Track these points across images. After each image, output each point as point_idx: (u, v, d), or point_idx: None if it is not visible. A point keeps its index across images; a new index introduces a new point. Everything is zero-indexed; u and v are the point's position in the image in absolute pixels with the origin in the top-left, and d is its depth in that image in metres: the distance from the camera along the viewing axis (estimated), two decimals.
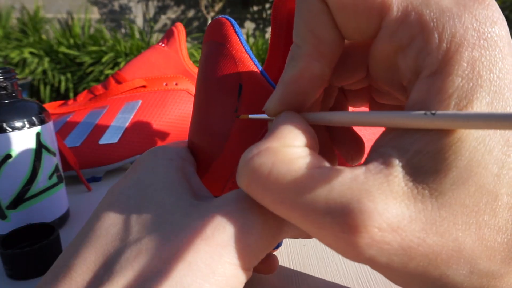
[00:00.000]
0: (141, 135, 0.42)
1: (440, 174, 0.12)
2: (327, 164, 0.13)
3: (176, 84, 0.44)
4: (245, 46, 0.20)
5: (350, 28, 0.14)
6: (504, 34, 0.12)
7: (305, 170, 0.12)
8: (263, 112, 0.18)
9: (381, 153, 0.13)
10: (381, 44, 0.14)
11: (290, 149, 0.13)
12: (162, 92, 0.44)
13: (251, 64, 0.20)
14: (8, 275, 0.24)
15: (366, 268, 0.24)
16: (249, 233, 0.15)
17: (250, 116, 0.19)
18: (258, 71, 0.20)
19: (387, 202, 0.11)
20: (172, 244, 0.15)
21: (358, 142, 0.20)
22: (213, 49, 0.21)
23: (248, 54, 0.20)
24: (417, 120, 0.12)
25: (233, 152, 0.20)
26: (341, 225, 0.11)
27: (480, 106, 0.12)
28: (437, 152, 0.12)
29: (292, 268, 0.24)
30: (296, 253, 0.26)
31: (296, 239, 0.28)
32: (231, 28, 0.20)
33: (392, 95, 0.18)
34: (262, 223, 0.16)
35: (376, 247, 0.11)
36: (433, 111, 0.12)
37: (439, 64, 0.12)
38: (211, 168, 0.21)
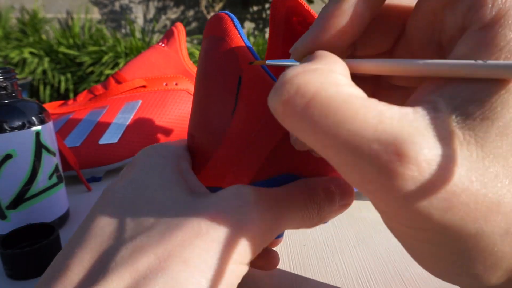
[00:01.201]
0: (141, 135, 0.42)
1: (487, 122, 0.11)
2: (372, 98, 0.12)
3: (176, 84, 0.44)
4: (244, 40, 0.20)
5: None
6: None
7: (356, 97, 0.11)
8: (265, 103, 0.17)
9: (426, 100, 0.12)
10: None
11: (337, 75, 0.12)
12: (162, 92, 0.44)
13: (250, 57, 0.20)
14: (8, 275, 0.24)
15: (366, 268, 0.24)
16: (244, 229, 0.15)
17: (268, 61, 0.17)
18: (260, 67, 0.20)
19: (436, 141, 0.11)
20: (167, 241, 0.15)
21: None
22: (212, 43, 0.21)
23: (248, 47, 0.20)
24: (466, 67, 0.11)
25: (232, 144, 0.20)
26: (389, 154, 0.11)
27: None
28: (486, 101, 0.11)
29: (292, 267, 0.24)
30: (296, 253, 0.26)
31: (296, 239, 0.28)
32: (231, 22, 0.20)
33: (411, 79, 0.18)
34: (258, 219, 0.16)
35: (421, 184, 0.11)
36: (485, 60, 0.11)
37: (492, 18, 0.12)
38: (212, 160, 0.21)
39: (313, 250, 0.26)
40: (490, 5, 0.12)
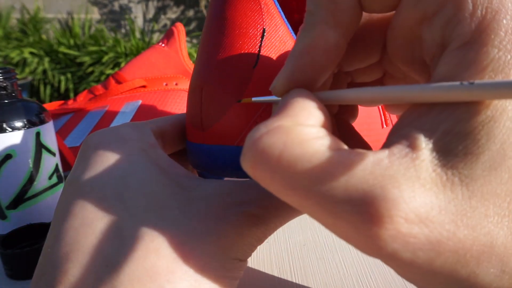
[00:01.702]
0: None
1: (471, 158, 0.10)
2: (345, 147, 0.12)
3: (176, 84, 0.44)
4: None
5: None
6: None
7: (322, 153, 0.11)
8: (268, 93, 0.17)
9: (404, 134, 0.11)
10: (404, 14, 0.13)
11: (304, 128, 0.11)
12: (162, 92, 0.44)
13: (274, 9, 0.19)
14: (8, 275, 0.24)
15: (366, 268, 0.24)
16: (240, 226, 0.16)
17: (254, 99, 0.17)
18: (283, 20, 0.20)
19: (414, 190, 0.10)
20: (171, 242, 0.15)
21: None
22: None
23: (275, 2, 0.19)
24: (451, 92, 0.10)
25: (256, 94, 0.19)
26: (362, 215, 0.10)
27: None
28: (468, 133, 0.10)
29: (292, 267, 0.24)
30: (296, 253, 0.26)
31: (296, 239, 0.28)
32: None
33: (408, 79, 0.17)
34: (254, 218, 0.16)
35: (401, 241, 0.10)
36: (471, 81, 0.10)
37: (472, 34, 0.11)
38: (227, 115, 0.19)
39: (313, 250, 0.26)
40: (468, 20, 0.11)
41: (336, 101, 0.14)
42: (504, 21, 0.11)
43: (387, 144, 0.11)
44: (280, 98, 0.15)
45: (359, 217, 0.10)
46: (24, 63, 2.11)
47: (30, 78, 2.09)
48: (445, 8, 0.12)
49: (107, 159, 0.17)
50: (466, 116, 0.11)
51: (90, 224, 0.15)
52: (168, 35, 0.47)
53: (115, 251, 0.15)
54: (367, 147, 0.19)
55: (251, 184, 0.17)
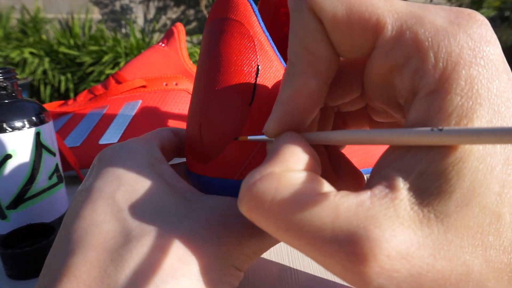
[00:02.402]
0: (140, 136, 0.42)
1: (445, 196, 0.11)
2: (332, 189, 0.13)
3: (176, 84, 0.44)
4: (262, 27, 0.20)
5: (344, 45, 0.14)
6: (499, 52, 0.13)
7: (310, 196, 0.12)
8: (261, 131, 0.18)
9: (384, 175, 0.12)
10: (376, 63, 0.14)
11: (293, 173, 0.13)
12: (162, 92, 0.44)
13: (268, 47, 0.20)
14: (8, 275, 0.24)
15: None
16: (239, 235, 0.17)
17: (250, 137, 0.18)
18: (277, 56, 0.20)
19: (394, 229, 0.11)
20: (176, 241, 0.16)
21: (357, 177, 0.19)
22: (227, 26, 0.20)
23: (266, 36, 0.20)
24: (423, 137, 0.12)
25: (251, 134, 0.19)
26: (348, 254, 0.11)
27: (481, 124, 0.12)
28: (440, 173, 0.12)
29: (292, 267, 0.24)
30: (296, 253, 0.26)
31: None
32: (249, 6, 0.20)
33: (388, 113, 0.18)
34: (252, 230, 0.17)
35: (385, 276, 0.11)
36: (440, 127, 0.11)
37: (437, 84, 0.12)
38: (226, 151, 0.20)
39: None
40: (432, 71, 0.12)
41: (323, 142, 0.15)
42: (463, 72, 0.12)
43: (369, 185, 0.12)
44: (273, 139, 0.16)
45: (346, 256, 0.11)
46: (24, 63, 2.11)
47: (30, 78, 2.09)
48: (411, 60, 0.13)
49: (118, 170, 0.18)
50: (438, 158, 0.12)
51: (98, 225, 0.16)
52: (168, 35, 0.47)
53: (120, 247, 0.15)
54: (356, 172, 0.20)
55: None
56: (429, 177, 0.12)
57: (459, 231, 0.11)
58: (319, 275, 0.24)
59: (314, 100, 0.15)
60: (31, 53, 2.12)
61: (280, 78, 0.20)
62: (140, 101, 0.43)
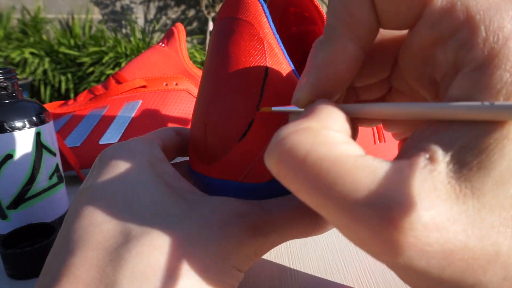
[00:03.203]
0: (141, 135, 0.42)
1: (484, 172, 0.11)
2: (366, 154, 0.12)
3: (176, 84, 0.44)
4: (273, 29, 0.20)
5: (389, 13, 0.14)
6: None
7: (347, 156, 0.11)
8: (285, 105, 0.17)
9: (423, 147, 0.12)
10: (419, 34, 0.14)
11: (331, 132, 0.12)
12: (162, 92, 0.44)
13: (277, 49, 0.19)
14: (8, 275, 0.24)
15: (366, 268, 0.24)
16: (241, 235, 0.17)
17: (274, 108, 0.17)
18: (286, 59, 0.20)
19: (432, 200, 0.11)
20: (181, 246, 0.15)
21: None
22: (236, 26, 0.20)
23: (276, 38, 0.20)
24: (473, 111, 0.11)
25: (256, 140, 0.19)
26: (383, 219, 0.10)
27: None
28: (483, 149, 0.11)
29: (292, 267, 0.24)
30: (296, 253, 0.26)
31: (296, 239, 0.28)
32: (260, 7, 0.20)
33: (413, 97, 0.18)
34: (254, 229, 0.17)
35: (418, 248, 0.10)
36: (491, 102, 0.11)
37: (485, 58, 0.12)
38: (231, 153, 0.20)
39: (313, 250, 0.26)
40: (481, 45, 0.12)
41: (359, 114, 0.14)
42: None
43: (406, 155, 0.12)
44: (302, 109, 0.15)
45: (379, 221, 0.10)
46: (24, 63, 2.11)
47: (30, 78, 2.09)
48: (459, 32, 0.12)
49: (119, 170, 0.18)
50: (482, 133, 0.11)
51: (98, 225, 0.16)
52: (168, 35, 0.47)
53: (119, 246, 0.15)
54: None
55: (254, 201, 0.18)
56: (470, 151, 0.11)
57: (493, 210, 0.11)
58: (319, 276, 0.24)
59: (351, 67, 0.14)
60: (32, 53, 2.12)
61: (289, 83, 0.20)
62: (140, 101, 0.43)
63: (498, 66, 0.11)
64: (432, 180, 0.11)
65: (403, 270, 0.11)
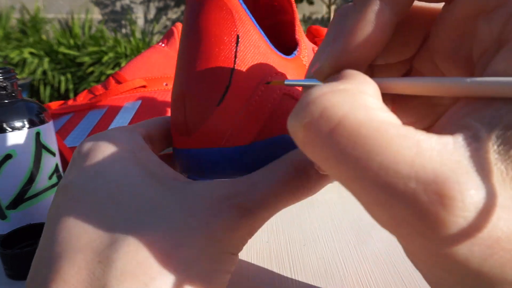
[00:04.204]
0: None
1: None
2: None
3: None
4: (240, 1, 0.21)
5: None
6: None
7: (388, 124, 0.10)
8: (260, 69, 0.17)
9: (464, 125, 0.10)
10: (460, 5, 0.12)
11: (368, 96, 0.11)
12: (162, 92, 0.44)
13: (246, 17, 0.20)
14: (8, 275, 0.24)
15: (366, 268, 0.24)
16: (231, 219, 0.16)
17: (287, 82, 0.16)
18: (255, 26, 0.21)
19: (481, 180, 0.09)
20: (169, 238, 0.15)
21: None
22: (206, 1, 0.21)
23: (243, 8, 0.21)
24: None
25: (234, 103, 0.20)
26: (429, 194, 0.09)
27: None
28: None
29: (292, 267, 0.24)
30: (296, 253, 0.26)
31: (296, 239, 0.28)
32: None
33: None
34: (244, 210, 0.16)
35: (463, 231, 0.09)
36: None
37: None
38: (210, 119, 0.20)
39: (313, 250, 0.26)
40: None
41: (391, 89, 0.12)
42: None
43: (447, 130, 0.11)
44: (320, 83, 0.14)
45: (426, 197, 0.09)
46: (24, 63, 2.11)
47: (30, 78, 2.09)
48: (508, 2, 0.11)
49: (98, 163, 0.17)
50: None
51: (83, 224, 0.15)
52: (168, 35, 0.47)
53: (107, 247, 0.15)
54: None
55: (238, 179, 0.18)
56: None
57: None
58: (319, 276, 0.24)
59: (384, 35, 0.13)
60: (31, 53, 2.12)
61: (260, 48, 0.21)
62: (140, 101, 0.43)
63: None
64: (479, 159, 0.10)
65: (439, 259, 0.10)
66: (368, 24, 0.13)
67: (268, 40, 0.21)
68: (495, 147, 0.10)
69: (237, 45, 0.20)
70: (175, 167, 0.23)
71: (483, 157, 0.10)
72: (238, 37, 0.20)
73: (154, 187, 0.17)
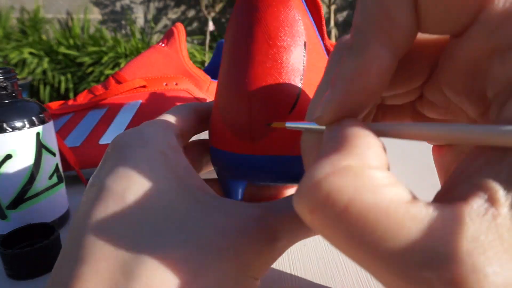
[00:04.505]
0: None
1: None
2: (415, 197, 0.10)
3: (176, 84, 0.44)
4: (304, 5, 0.20)
5: (435, 16, 0.12)
6: None
7: (398, 205, 0.09)
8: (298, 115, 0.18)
9: (478, 184, 0.10)
10: (471, 42, 0.12)
11: (375, 172, 0.10)
12: (162, 92, 0.44)
13: (311, 25, 0.20)
14: (8, 275, 0.24)
15: None
16: (259, 241, 0.16)
17: (288, 124, 0.16)
18: (315, 29, 0.21)
19: (500, 257, 0.09)
20: (197, 255, 0.15)
21: None
22: (274, 0, 0.20)
23: (310, 17, 0.20)
24: None
25: (306, 106, 0.19)
26: (443, 283, 0.09)
27: None
28: None
29: (292, 267, 0.24)
30: (296, 253, 0.26)
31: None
32: None
33: (450, 109, 0.15)
34: (273, 233, 0.16)
35: None
36: None
37: None
38: (289, 118, 0.19)
39: (313, 250, 0.26)
40: None
41: (395, 135, 0.12)
42: None
43: (458, 194, 0.10)
44: (321, 127, 0.13)
45: (441, 285, 0.09)
46: (23, 63, 2.11)
47: (30, 78, 2.09)
48: None
49: (129, 164, 0.17)
50: None
51: (109, 228, 0.15)
52: (168, 35, 0.47)
53: (131, 258, 0.14)
54: None
55: (266, 203, 0.17)
56: None
57: None
58: (320, 276, 0.24)
59: (384, 79, 0.12)
60: (31, 53, 2.12)
61: (322, 57, 0.20)
62: (140, 101, 0.43)
63: None
64: (497, 229, 0.09)
65: None
66: (366, 73, 0.12)
67: (323, 45, 0.21)
68: None
69: (305, 50, 0.20)
70: (198, 165, 0.23)
71: (501, 225, 0.09)
72: (305, 42, 0.20)
73: (182, 198, 0.16)
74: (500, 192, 0.09)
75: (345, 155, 0.10)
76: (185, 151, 0.21)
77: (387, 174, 0.10)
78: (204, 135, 0.24)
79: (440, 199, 0.10)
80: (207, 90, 0.45)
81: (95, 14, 2.49)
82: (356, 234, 0.09)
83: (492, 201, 0.09)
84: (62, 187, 0.31)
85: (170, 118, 0.21)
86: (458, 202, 0.09)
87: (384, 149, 0.11)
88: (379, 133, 0.12)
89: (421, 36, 0.14)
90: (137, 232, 0.15)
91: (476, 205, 0.09)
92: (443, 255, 0.09)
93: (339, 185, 0.10)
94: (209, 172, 0.26)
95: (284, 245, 0.17)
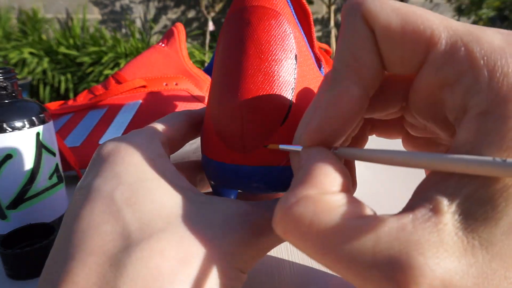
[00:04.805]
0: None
1: (491, 222, 0.11)
2: (369, 212, 0.12)
3: (176, 84, 0.44)
4: (295, 19, 0.20)
5: (393, 58, 0.14)
6: None
7: (348, 220, 0.12)
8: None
9: (427, 197, 0.12)
10: (425, 78, 0.14)
11: (329, 196, 0.12)
12: (162, 92, 0.44)
13: (302, 40, 0.20)
14: (8, 275, 0.24)
15: None
16: (245, 235, 0.17)
17: (281, 146, 0.18)
18: (305, 41, 0.21)
19: (438, 256, 0.11)
20: (187, 246, 0.15)
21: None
22: (262, 14, 0.20)
23: (300, 29, 0.20)
24: (484, 167, 0.11)
25: (298, 118, 0.19)
26: (389, 281, 0.11)
27: None
28: (488, 199, 0.11)
29: (292, 267, 0.24)
30: (297, 253, 0.26)
31: None
32: None
33: (428, 130, 0.18)
34: (258, 229, 0.17)
35: None
36: (503, 158, 0.11)
37: (490, 104, 0.12)
38: (274, 137, 0.20)
39: None
40: (486, 91, 0.12)
41: (357, 159, 0.15)
42: None
43: (411, 207, 0.12)
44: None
45: (387, 283, 0.11)
46: (23, 63, 2.11)
47: (29, 78, 2.09)
48: (464, 77, 0.12)
49: (117, 167, 0.18)
50: (487, 183, 0.11)
51: (97, 226, 0.15)
52: (168, 35, 0.47)
53: (119, 251, 0.15)
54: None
55: (255, 202, 0.18)
56: (475, 202, 0.11)
57: (505, 261, 0.11)
58: (317, 267, 0.24)
59: (355, 109, 0.15)
60: (30, 53, 2.12)
61: (314, 70, 0.21)
62: (140, 101, 0.43)
63: (504, 113, 0.11)
64: (438, 233, 0.11)
65: None
66: (338, 103, 0.14)
67: (313, 57, 0.21)
68: (456, 217, 0.11)
69: (296, 63, 0.20)
70: (189, 175, 0.23)
71: (442, 230, 0.11)
72: (296, 55, 0.20)
73: (170, 195, 0.17)
74: (444, 202, 0.11)
75: (305, 185, 0.13)
76: (180, 170, 0.22)
77: (342, 196, 0.13)
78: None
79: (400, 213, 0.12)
80: (207, 90, 0.45)
81: (95, 14, 2.49)
82: (319, 246, 0.12)
83: (435, 210, 0.11)
84: (62, 187, 0.31)
85: (159, 126, 0.22)
86: (405, 212, 0.12)
87: (344, 174, 0.14)
88: (352, 157, 0.15)
89: (392, 74, 0.16)
90: (124, 227, 0.15)
91: (420, 214, 0.11)
92: (387, 256, 0.11)
93: (301, 212, 0.12)
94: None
95: (272, 241, 0.18)
